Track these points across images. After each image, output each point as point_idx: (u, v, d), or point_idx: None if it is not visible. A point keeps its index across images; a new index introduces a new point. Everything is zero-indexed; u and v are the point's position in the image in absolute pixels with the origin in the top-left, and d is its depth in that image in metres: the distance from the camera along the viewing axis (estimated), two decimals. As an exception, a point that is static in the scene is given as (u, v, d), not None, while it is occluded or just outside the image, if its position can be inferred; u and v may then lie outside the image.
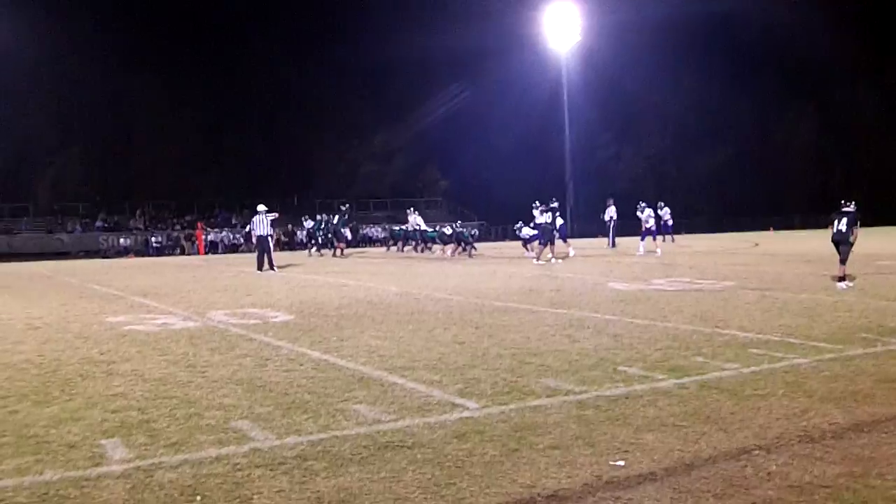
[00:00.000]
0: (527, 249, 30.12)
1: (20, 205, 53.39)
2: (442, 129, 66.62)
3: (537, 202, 27.38)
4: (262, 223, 24.41)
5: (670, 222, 40.32)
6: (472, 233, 33.51)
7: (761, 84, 76.79)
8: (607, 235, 35.92)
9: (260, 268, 23.95)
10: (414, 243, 36.77)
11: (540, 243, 26.25)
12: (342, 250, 34.55)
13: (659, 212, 39.39)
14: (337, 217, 34.97)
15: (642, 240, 29.71)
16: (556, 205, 26.36)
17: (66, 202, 55.06)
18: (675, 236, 41.49)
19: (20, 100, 54.20)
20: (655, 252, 28.33)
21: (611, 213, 35.39)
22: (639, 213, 30.72)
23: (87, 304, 15.44)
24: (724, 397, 6.40)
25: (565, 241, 29.23)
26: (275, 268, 24.04)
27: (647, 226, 29.98)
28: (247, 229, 26.51)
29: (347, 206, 37.86)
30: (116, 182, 59.38)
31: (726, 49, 72.57)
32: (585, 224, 56.73)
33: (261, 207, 24.78)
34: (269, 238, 24.91)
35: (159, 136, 59.91)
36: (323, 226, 36.37)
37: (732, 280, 17.08)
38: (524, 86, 63.99)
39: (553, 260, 24.88)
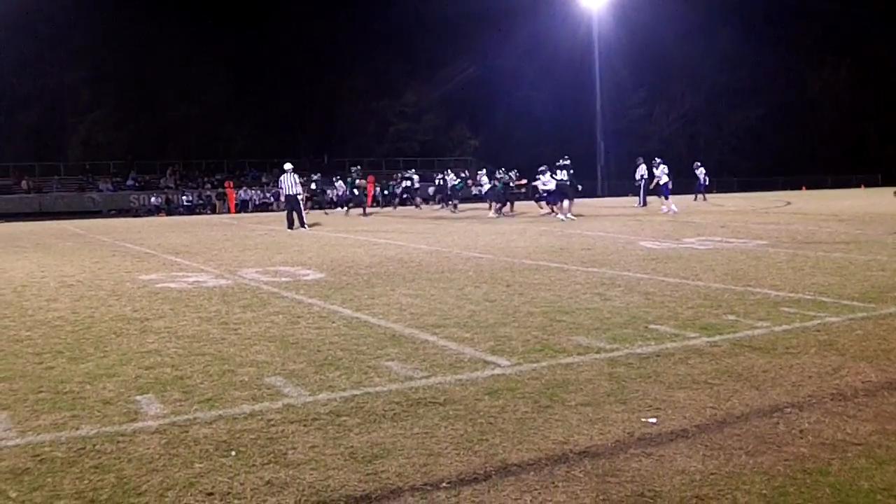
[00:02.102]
0: (540, 207, 30.38)
1: (51, 163, 53.75)
2: (472, 86, 66.30)
3: (545, 167, 27.66)
4: (289, 182, 24.46)
5: (706, 182, 40.87)
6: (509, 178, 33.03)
7: (796, 39, 75.55)
8: (638, 194, 35.83)
9: (290, 226, 24.04)
10: (440, 197, 37.30)
11: (550, 202, 27.30)
12: (364, 209, 34.76)
13: (696, 171, 40.05)
14: (350, 179, 35.23)
15: (666, 197, 29.62)
16: (567, 161, 26.82)
17: (97, 161, 55.35)
18: (707, 195, 41.66)
19: (52, 57, 54.43)
20: (670, 210, 28.31)
21: (641, 171, 35.39)
22: (654, 170, 30.83)
23: (120, 262, 15.57)
24: (756, 355, 6.38)
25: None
26: (305, 226, 24.13)
27: (662, 182, 29.98)
28: (279, 186, 26.67)
29: (358, 167, 37.91)
30: (147, 140, 59.67)
31: (761, 3, 71.44)
32: (617, 183, 56.42)
33: (287, 166, 24.82)
34: (299, 196, 24.98)
35: (190, 96, 60.08)
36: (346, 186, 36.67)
37: (764, 239, 16.94)
38: (555, 43, 63.45)
39: (568, 217, 25.10)
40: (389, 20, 63.18)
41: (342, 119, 65.95)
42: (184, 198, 50.13)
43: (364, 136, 65.59)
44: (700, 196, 40.91)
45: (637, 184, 35.71)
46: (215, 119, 61.26)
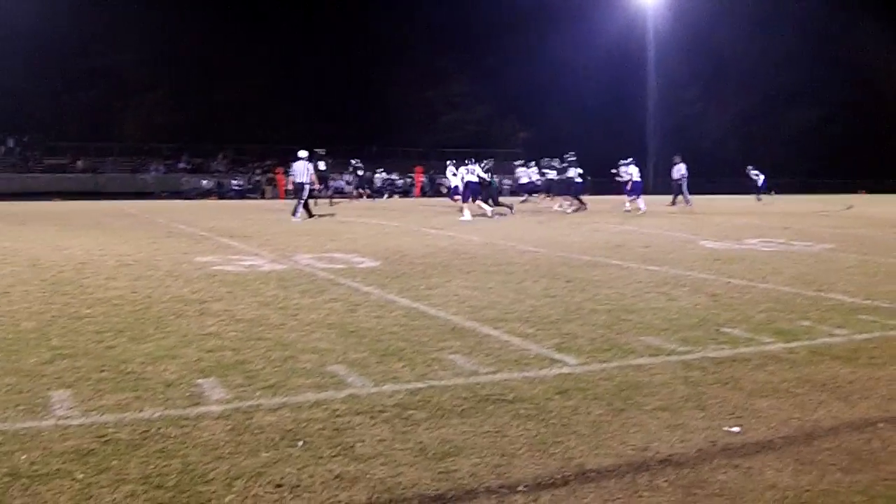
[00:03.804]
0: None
1: (106, 144, 54.36)
2: (523, 79, 65.67)
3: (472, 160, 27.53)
4: (301, 170, 24.10)
5: (764, 184, 42.23)
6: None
7: (858, 38, 73.78)
8: (676, 193, 35.50)
9: (294, 213, 23.53)
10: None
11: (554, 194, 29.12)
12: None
13: (750, 174, 41.99)
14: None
15: (629, 195, 29.63)
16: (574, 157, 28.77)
17: (151, 143, 55.86)
18: (763, 196, 41.73)
19: (108, 39, 54.93)
20: (625, 207, 28.99)
21: (681, 171, 35.28)
22: (623, 170, 30.60)
23: (175, 243, 15.60)
24: (837, 364, 6.09)
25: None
26: (297, 216, 23.39)
27: (633, 181, 29.85)
28: (290, 172, 25.44)
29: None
30: (200, 124, 60.02)
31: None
32: (668, 181, 55.75)
33: (302, 153, 24.45)
34: (306, 186, 24.20)
35: (242, 81, 60.28)
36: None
37: (829, 242, 16.52)
38: (609, 36, 62.70)
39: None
40: (441, 9, 62.84)
41: (391, 107, 65.71)
42: (234, 182, 50.37)
43: (413, 126, 65.34)
44: (762, 196, 41.29)
45: (677, 182, 35.60)
46: (266, 105, 61.34)
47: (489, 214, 24.27)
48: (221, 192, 48.23)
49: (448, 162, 28.67)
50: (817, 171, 68.85)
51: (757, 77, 71.99)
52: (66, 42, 52.04)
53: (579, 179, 29.80)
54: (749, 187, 43.04)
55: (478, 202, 24.85)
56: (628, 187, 29.70)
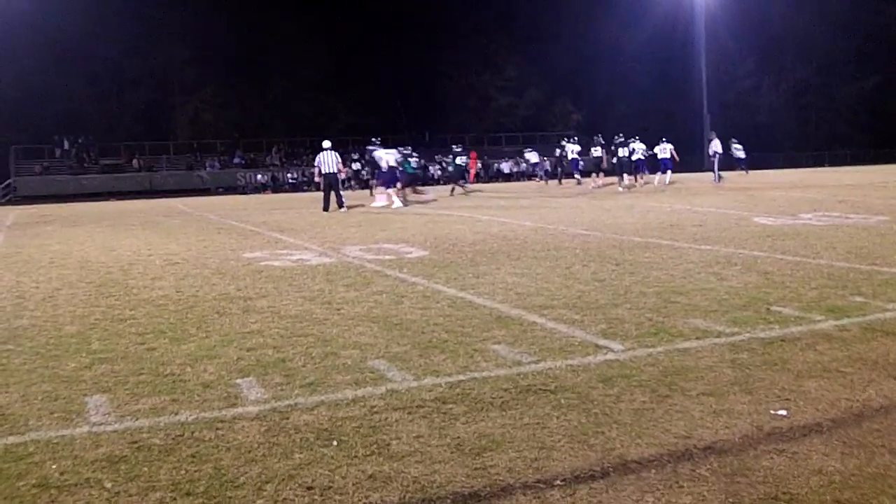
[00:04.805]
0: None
1: (161, 142, 55.15)
2: (574, 59, 65.07)
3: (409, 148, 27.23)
4: (328, 160, 24.02)
5: (742, 155, 42.35)
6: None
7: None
8: (712, 170, 35.24)
9: (326, 208, 23.38)
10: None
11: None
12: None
13: (733, 146, 41.81)
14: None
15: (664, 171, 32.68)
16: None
17: (205, 139, 56.47)
18: (750, 171, 41.96)
19: (158, 38, 55.61)
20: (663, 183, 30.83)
21: (715, 147, 35.03)
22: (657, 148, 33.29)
23: (225, 239, 15.69)
24: (890, 341, 5.90)
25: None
26: (344, 206, 23.39)
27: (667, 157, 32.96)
28: (316, 164, 25.10)
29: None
30: (252, 119, 60.52)
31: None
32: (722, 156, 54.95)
33: (326, 144, 24.43)
34: (337, 175, 24.42)
35: (293, 74, 60.59)
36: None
37: (886, 215, 16.08)
38: (658, 12, 61.86)
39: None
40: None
41: (443, 94, 65.59)
42: (289, 175, 50.80)
43: (465, 112, 65.16)
44: (742, 171, 41.54)
45: (711, 159, 35.56)
46: (318, 97, 61.62)
47: (398, 203, 24.34)
48: (276, 186, 48.64)
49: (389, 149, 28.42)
50: (874, 141, 67.31)
51: (811, 47, 70.37)
52: (118, 43, 52.84)
53: (640, 156, 30.83)
54: (732, 162, 42.52)
55: (384, 190, 25.31)
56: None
